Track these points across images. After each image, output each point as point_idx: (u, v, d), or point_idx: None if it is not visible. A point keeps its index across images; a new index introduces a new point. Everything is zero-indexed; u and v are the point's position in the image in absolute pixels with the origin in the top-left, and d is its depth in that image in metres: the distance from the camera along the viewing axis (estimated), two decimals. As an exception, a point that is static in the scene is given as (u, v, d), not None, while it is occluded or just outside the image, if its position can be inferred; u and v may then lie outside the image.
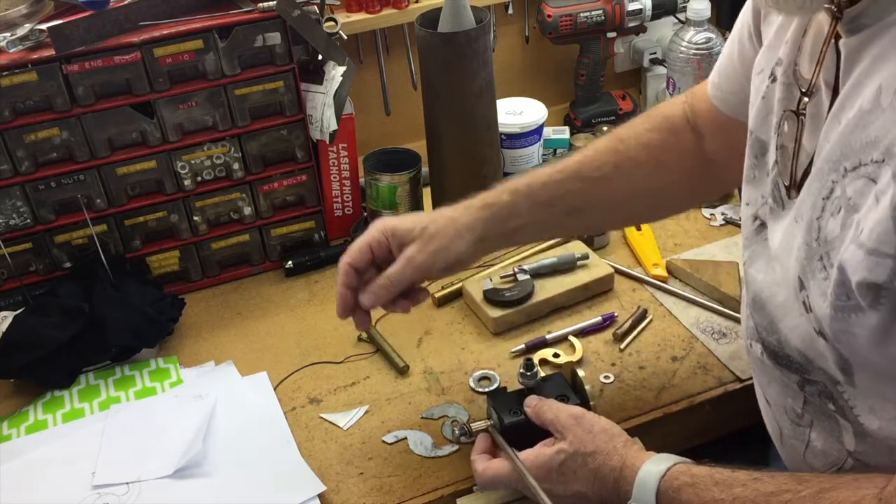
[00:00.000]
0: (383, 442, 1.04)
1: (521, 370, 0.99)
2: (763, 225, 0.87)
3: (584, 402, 0.96)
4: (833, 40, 0.73)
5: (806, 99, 0.77)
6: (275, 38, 1.21)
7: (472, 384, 1.11)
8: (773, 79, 0.84)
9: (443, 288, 1.27)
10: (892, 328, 0.67)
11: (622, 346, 1.16)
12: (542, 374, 1.01)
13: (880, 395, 0.74)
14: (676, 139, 1.05)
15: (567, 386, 0.99)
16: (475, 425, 0.97)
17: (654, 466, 0.81)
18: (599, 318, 1.20)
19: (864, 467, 0.78)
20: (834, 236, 0.71)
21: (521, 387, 0.99)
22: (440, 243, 0.96)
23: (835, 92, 0.73)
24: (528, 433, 0.92)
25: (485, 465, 0.93)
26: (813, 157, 0.76)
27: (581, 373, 0.98)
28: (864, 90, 0.69)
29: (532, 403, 0.94)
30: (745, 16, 0.95)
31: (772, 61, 0.84)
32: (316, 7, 1.26)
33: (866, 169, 0.67)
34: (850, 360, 0.73)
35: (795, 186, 0.79)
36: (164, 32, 1.16)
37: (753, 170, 0.89)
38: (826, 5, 0.72)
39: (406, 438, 1.05)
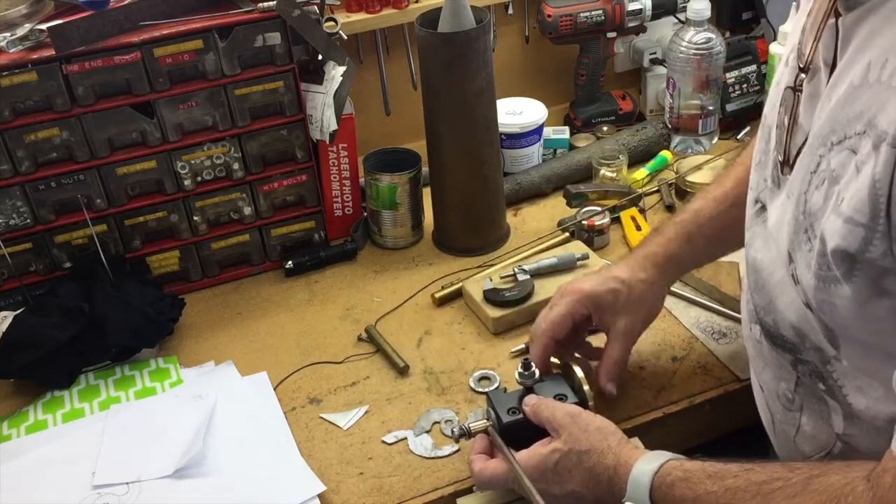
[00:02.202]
0: (383, 442, 1.05)
1: (520, 370, 0.99)
2: (763, 207, 0.88)
3: (583, 401, 0.96)
4: (834, 18, 0.74)
5: (803, 75, 0.78)
6: (275, 38, 1.21)
7: (472, 384, 1.11)
8: (786, 63, 0.85)
9: (443, 288, 1.27)
10: (869, 301, 0.68)
11: (622, 346, 1.16)
12: (539, 373, 1.01)
13: (867, 372, 0.75)
14: None
15: (565, 385, 0.99)
16: (474, 425, 0.97)
17: (646, 464, 0.82)
18: (599, 318, 1.19)
19: (852, 451, 0.80)
20: (817, 208, 0.72)
21: (520, 386, 0.99)
22: (647, 311, 1.02)
23: (832, 71, 0.74)
24: (526, 432, 0.93)
25: (482, 465, 0.93)
26: (808, 135, 0.77)
27: (580, 373, 0.98)
28: (856, 67, 0.69)
29: (531, 402, 0.94)
30: None
31: (788, 49, 0.85)
32: (316, 7, 1.26)
33: (849, 141, 0.68)
34: (836, 332, 0.74)
35: (789, 164, 0.80)
36: (164, 32, 1.16)
37: (761, 154, 0.90)
38: None
39: (406, 439, 1.05)
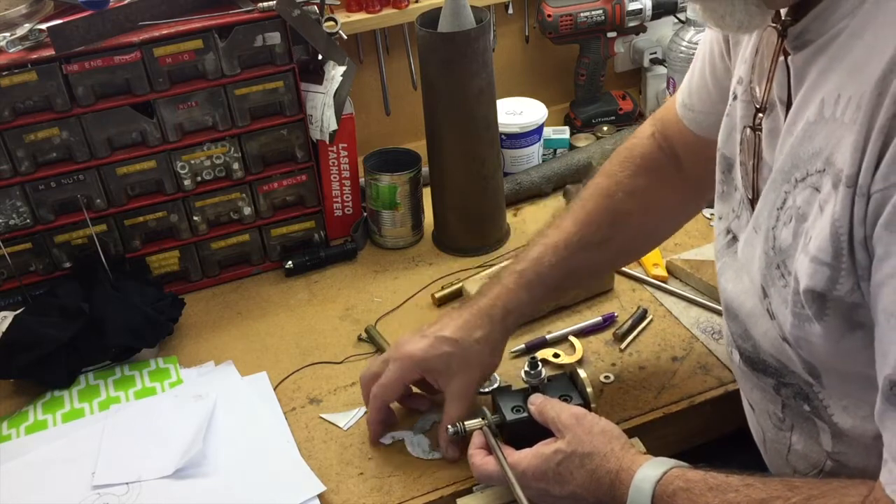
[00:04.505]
0: (381, 443, 1.04)
1: (526, 368, 0.99)
2: (735, 238, 0.89)
3: (586, 403, 0.97)
4: (783, 57, 0.75)
5: (761, 115, 0.80)
6: (275, 37, 1.21)
7: (472, 384, 1.11)
8: (735, 97, 0.86)
9: (442, 288, 1.27)
10: (843, 337, 0.70)
11: (622, 346, 1.16)
12: (546, 373, 1.01)
13: (850, 395, 0.76)
14: (659, 176, 1.06)
15: (571, 387, 0.99)
16: (469, 424, 0.97)
17: (649, 471, 0.82)
18: (599, 318, 1.20)
19: (842, 468, 0.80)
20: (787, 245, 0.73)
21: (525, 385, 1.00)
22: (482, 370, 1.00)
23: (789, 107, 0.75)
24: (530, 431, 0.93)
25: (482, 459, 0.93)
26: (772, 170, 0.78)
27: (583, 374, 0.98)
28: (811, 104, 0.71)
29: (536, 401, 0.94)
30: (712, 35, 0.95)
31: (734, 80, 0.87)
32: (316, 7, 1.26)
33: (812, 179, 0.70)
34: (815, 364, 0.75)
35: (757, 199, 0.81)
36: (164, 32, 1.16)
37: (722, 185, 0.92)
38: (772, 24, 0.74)
39: (403, 440, 1.04)
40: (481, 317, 0.99)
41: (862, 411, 0.75)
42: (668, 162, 1.06)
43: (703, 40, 0.98)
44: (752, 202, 0.83)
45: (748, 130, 0.82)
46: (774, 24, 0.74)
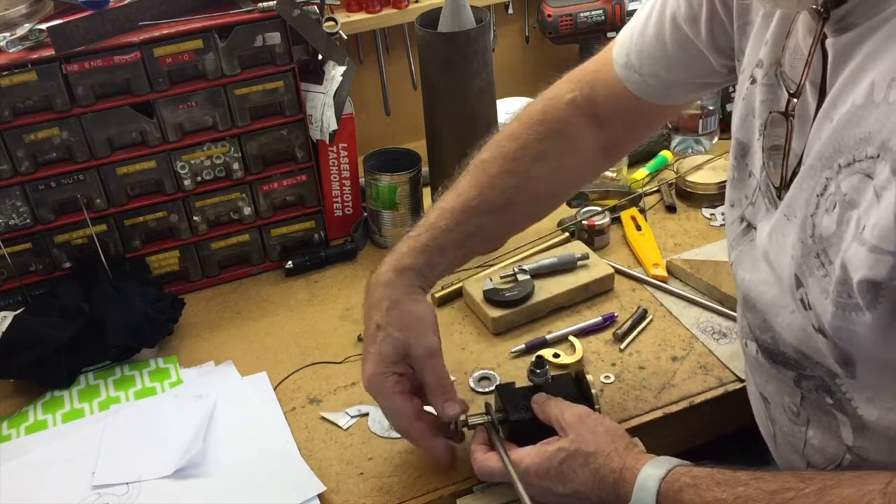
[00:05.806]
0: (346, 413, 1.06)
1: (532, 367, 0.99)
2: (750, 226, 0.87)
3: (590, 405, 0.96)
4: (820, 41, 0.73)
5: (794, 100, 0.77)
6: (275, 37, 1.21)
7: (471, 384, 1.11)
8: (753, 80, 0.84)
9: (443, 288, 1.27)
10: (889, 326, 0.67)
11: (622, 346, 1.16)
12: (551, 373, 1.02)
13: (881, 385, 0.74)
14: (570, 141, 1.03)
15: (575, 387, 0.99)
16: (472, 419, 0.97)
17: (654, 470, 0.81)
18: (599, 318, 1.20)
19: (862, 462, 0.79)
20: (830, 233, 0.71)
21: (529, 384, 1.00)
22: (423, 322, 0.95)
23: (821, 92, 0.74)
24: (533, 430, 0.93)
25: (484, 455, 0.93)
26: (802, 156, 0.76)
27: (590, 377, 0.98)
28: (857, 87, 0.69)
29: (540, 400, 0.94)
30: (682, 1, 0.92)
31: (752, 63, 0.85)
32: (316, 7, 1.26)
33: (861, 165, 0.67)
34: (853, 355, 0.73)
35: (786, 186, 0.79)
36: (164, 32, 1.16)
37: (735, 171, 0.89)
38: (812, 6, 0.72)
39: (368, 414, 1.05)
40: (379, 289, 0.96)
41: (888, 402, 0.74)
42: (586, 127, 1.03)
43: (665, 4, 0.94)
44: (780, 189, 0.80)
45: (776, 115, 0.79)
46: (815, 7, 0.72)
